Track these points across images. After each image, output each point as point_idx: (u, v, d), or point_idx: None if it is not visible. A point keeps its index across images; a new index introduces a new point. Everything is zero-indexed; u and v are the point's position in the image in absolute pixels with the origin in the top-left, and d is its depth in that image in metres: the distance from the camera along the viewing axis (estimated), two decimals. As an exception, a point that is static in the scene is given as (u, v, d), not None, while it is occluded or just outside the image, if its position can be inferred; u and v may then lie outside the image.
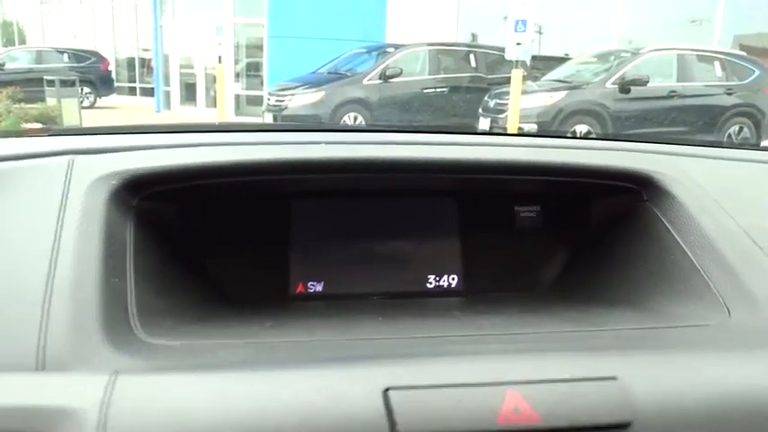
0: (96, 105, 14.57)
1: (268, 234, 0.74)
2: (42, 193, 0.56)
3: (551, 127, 8.00)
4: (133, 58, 17.50)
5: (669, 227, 0.68)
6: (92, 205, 0.55)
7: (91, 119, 11.40)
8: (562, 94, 8.20)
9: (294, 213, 0.75)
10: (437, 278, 0.78)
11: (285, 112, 9.47)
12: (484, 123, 8.62)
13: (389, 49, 10.34)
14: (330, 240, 0.75)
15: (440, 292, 0.77)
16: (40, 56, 14.90)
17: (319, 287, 0.75)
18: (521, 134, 0.98)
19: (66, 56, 15.08)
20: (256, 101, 13.77)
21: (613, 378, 0.46)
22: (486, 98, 8.81)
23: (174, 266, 0.63)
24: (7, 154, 0.59)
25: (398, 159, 0.67)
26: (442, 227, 0.78)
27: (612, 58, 8.87)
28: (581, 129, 8.13)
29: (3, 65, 14.31)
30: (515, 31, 7.33)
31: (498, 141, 0.80)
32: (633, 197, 0.72)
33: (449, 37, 12.09)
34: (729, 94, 8.50)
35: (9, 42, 20.32)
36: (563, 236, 0.81)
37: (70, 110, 10.90)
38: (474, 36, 12.85)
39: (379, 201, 0.77)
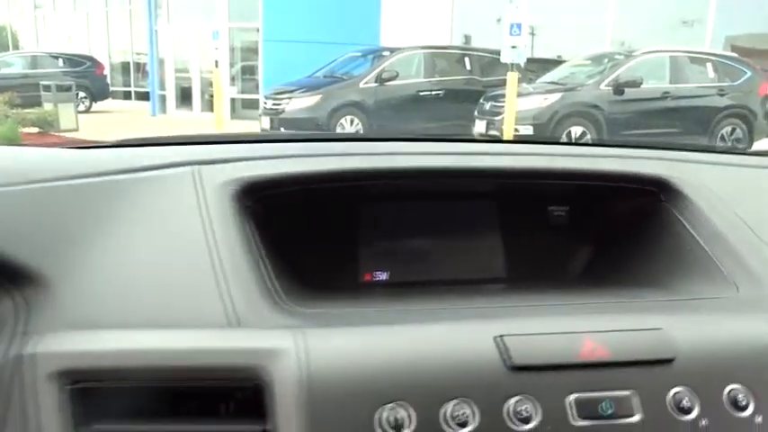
0: (92, 110, 14.59)
1: (340, 231, 0.85)
2: (181, 196, 0.67)
3: (547, 128, 8.08)
4: (128, 63, 17.53)
5: (685, 223, 0.80)
6: (222, 207, 0.66)
7: (87, 123, 11.43)
8: (557, 96, 8.29)
9: (362, 214, 0.85)
10: (483, 268, 0.88)
11: (282, 116, 9.53)
12: (480, 126, 8.70)
13: (385, 53, 10.41)
14: (393, 236, 0.86)
15: (485, 279, 0.88)
16: (34, 61, 14.91)
17: (384, 276, 0.85)
18: (552, 142, 1.08)
19: (60, 61, 15.09)
20: (252, 104, 13.82)
21: (659, 329, 0.62)
22: (481, 101, 8.89)
23: (277, 257, 0.72)
24: (144, 165, 0.69)
25: (453, 168, 0.80)
26: (487, 224, 0.89)
27: (606, 60, 8.97)
28: (576, 130, 8.22)
29: (-3, 70, 14.34)
30: (510, 34, 7.41)
31: (534, 150, 0.90)
32: (652, 198, 0.84)
33: (443, 40, 12.18)
34: (722, 95, 8.61)
35: (3, 48, 20.29)
36: (590, 231, 0.92)
37: (67, 114, 10.93)
38: (467, 38, 12.94)
39: (433, 203, 0.88)
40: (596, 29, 11.67)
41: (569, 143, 0.86)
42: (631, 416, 0.57)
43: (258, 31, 13.39)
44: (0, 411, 0.51)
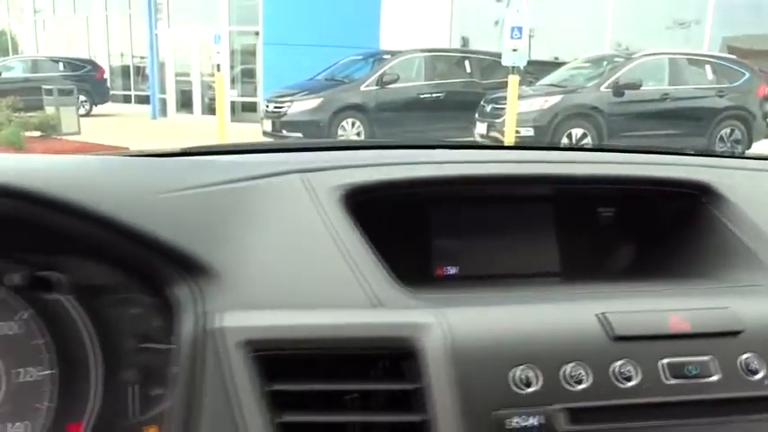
0: (92, 113, 14.63)
1: (415, 230, 0.96)
2: (298, 200, 0.78)
3: (548, 130, 8.14)
4: (127, 67, 17.58)
5: (726, 223, 0.91)
6: (334, 209, 0.77)
7: (89, 126, 11.47)
8: (557, 98, 8.36)
9: (434, 214, 0.96)
10: (540, 263, 0.99)
11: (284, 119, 9.59)
12: (480, 128, 8.76)
13: (386, 56, 10.47)
14: (460, 235, 0.97)
15: (542, 273, 0.99)
16: (35, 65, 14.96)
17: (454, 270, 0.96)
18: (602, 149, 1.19)
19: (61, 65, 15.14)
20: (251, 107, 13.89)
21: (726, 307, 0.75)
22: (482, 103, 8.95)
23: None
24: (262, 173, 0.80)
25: (518, 175, 0.93)
26: (542, 224, 1.00)
27: (605, 62, 9.04)
28: (576, 132, 8.29)
29: (-1, 74, 14.38)
30: (511, 37, 7.47)
31: (584, 158, 1.02)
32: (694, 200, 0.95)
33: (442, 43, 12.24)
34: (720, 96, 8.68)
35: (3, 52, 20.33)
36: (636, 230, 1.03)
37: (69, 118, 10.97)
38: (464, 40, 13.00)
39: (495, 205, 0.99)
40: (593, 32, 11.74)
41: (615, 150, 0.95)
42: (711, 376, 0.70)
43: (257, 34, 13.46)
44: (200, 370, 0.63)
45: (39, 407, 0.74)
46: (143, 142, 10.43)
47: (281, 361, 0.64)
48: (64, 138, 10.45)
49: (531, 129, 8.09)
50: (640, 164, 0.99)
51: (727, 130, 8.71)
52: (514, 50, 7.46)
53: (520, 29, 7.39)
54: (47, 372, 0.75)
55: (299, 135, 9.26)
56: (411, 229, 0.93)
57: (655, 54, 8.85)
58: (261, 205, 0.76)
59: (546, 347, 0.68)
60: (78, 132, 10.97)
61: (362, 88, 9.82)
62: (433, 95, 10.11)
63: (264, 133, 9.84)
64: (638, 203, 1.02)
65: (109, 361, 0.77)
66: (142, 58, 16.59)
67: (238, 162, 0.86)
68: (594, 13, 11.76)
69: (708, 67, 8.84)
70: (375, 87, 9.81)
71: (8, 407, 0.74)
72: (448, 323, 0.67)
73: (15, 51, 20.48)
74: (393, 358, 0.68)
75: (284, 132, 9.47)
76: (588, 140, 8.13)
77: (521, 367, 0.66)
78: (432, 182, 0.88)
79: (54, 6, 18.91)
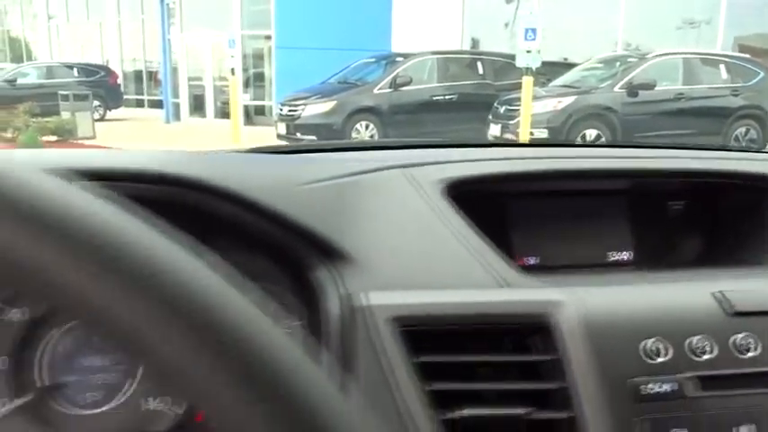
0: (106, 118, 14.76)
1: (498, 222, 1.00)
2: (405, 192, 0.84)
3: (561, 131, 8.15)
4: (140, 72, 17.72)
5: None
6: (439, 200, 0.83)
7: (103, 130, 11.58)
8: (571, 99, 8.36)
9: (515, 207, 1.01)
10: (616, 253, 1.03)
11: (298, 122, 9.65)
12: (494, 129, 8.78)
13: (398, 59, 10.51)
14: (539, 227, 1.01)
15: (619, 263, 1.03)
16: (50, 71, 15.10)
17: (535, 260, 1.00)
18: (672, 147, 1.24)
19: (75, 70, 15.27)
20: (263, 111, 13.98)
21: None
22: (495, 105, 8.96)
23: None
24: (367, 168, 0.86)
25: (598, 169, 0.98)
26: (617, 216, 1.04)
27: (618, 63, 9.04)
28: (591, 133, 8.29)
29: (14, 80, 14.53)
30: (525, 39, 7.49)
31: (657, 154, 1.07)
32: (758, 192, 1.01)
33: (454, 45, 12.27)
34: (735, 95, 8.66)
35: (17, 59, 20.53)
36: (705, 222, 1.08)
37: (84, 122, 11.10)
38: (474, 42, 13.01)
39: (571, 198, 1.04)
40: (602, 33, 11.72)
41: (681, 147, 1.02)
42: None
43: (267, 38, 13.53)
44: (352, 345, 0.69)
45: None
46: (159, 145, 10.52)
47: (425, 336, 0.69)
48: (79, 142, 10.57)
49: (545, 130, 8.10)
50: (705, 158, 1.04)
51: (743, 130, 8.69)
52: (528, 52, 7.48)
53: (534, 30, 7.42)
54: None
55: (313, 138, 9.31)
56: (492, 221, 0.97)
57: (668, 54, 8.84)
58: (375, 197, 0.82)
59: (672, 322, 0.73)
60: (93, 137, 11.08)
61: (376, 91, 9.86)
62: (446, 97, 10.14)
63: (278, 136, 9.90)
64: (706, 196, 1.07)
65: None
66: (154, 63, 16.72)
67: (346, 158, 0.93)
68: (603, 13, 11.74)
69: (722, 67, 8.83)
70: (388, 90, 9.85)
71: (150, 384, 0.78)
72: (578, 300, 0.73)
73: (29, 58, 20.67)
74: (520, 334, 0.73)
75: (298, 135, 9.52)
76: (602, 142, 8.13)
77: (651, 340, 0.71)
78: (525, 176, 0.95)
79: (67, 12, 19.09)
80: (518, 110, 8.01)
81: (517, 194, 1.01)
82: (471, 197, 0.89)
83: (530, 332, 0.72)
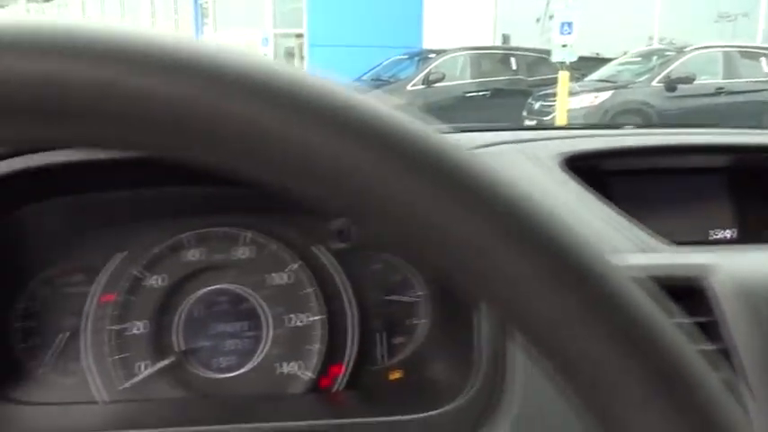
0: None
1: (600, 197, 1.01)
2: (524, 164, 0.85)
3: (598, 127, 8.05)
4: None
5: None
6: (560, 173, 0.84)
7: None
8: (608, 94, 8.25)
9: (616, 184, 1.02)
10: (719, 231, 1.04)
11: (332, 120, 9.67)
12: (529, 125, 8.72)
13: (430, 55, 10.48)
14: (642, 205, 1.01)
15: (721, 241, 1.04)
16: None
17: None
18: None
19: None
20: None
21: None
22: (530, 100, 8.89)
23: None
24: (480, 143, 0.88)
25: (704, 144, 0.99)
26: (719, 193, 1.05)
27: (655, 57, 8.90)
28: (628, 128, 8.18)
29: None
30: (561, 33, 7.44)
31: (751, 132, 1.08)
32: None
33: (486, 41, 12.19)
34: (777, 88, 8.47)
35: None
36: None
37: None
38: (505, 37, 12.89)
39: (673, 176, 1.04)
40: (637, 27, 11.54)
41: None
42: None
43: (298, 37, 13.61)
44: None
45: (310, 348, 0.80)
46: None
47: None
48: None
49: (582, 125, 8.02)
50: None
51: (786, 124, 8.51)
52: (564, 46, 7.42)
53: (570, 24, 7.36)
54: (317, 317, 0.81)
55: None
56: (598, 196, 1.01)
57: (707, 47, 8.67)
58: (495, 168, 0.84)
59: None
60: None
61: (408, 88, 9.84)
62: (480, 93, 10.08)
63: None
64: None
65: (361, 310, 0.84)
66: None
67: (461, 137, 0.93)
68: (637, 7, 11.56)
69: (763, 60, 8.63)
70: (421, 87, 9.82)
71: (282, 348, 0.80)
72: (728, 263, 0.72)
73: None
74: (673, 297, 0.73)
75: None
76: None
77: None
78: (638, 151, 0.96)
79: (102, 11, 19.43)
80: (553, 105, 7.94)
81: (618, 172, 1.01)
82: (578, 174, 0.90)
83: (683, 295, 0.70)
